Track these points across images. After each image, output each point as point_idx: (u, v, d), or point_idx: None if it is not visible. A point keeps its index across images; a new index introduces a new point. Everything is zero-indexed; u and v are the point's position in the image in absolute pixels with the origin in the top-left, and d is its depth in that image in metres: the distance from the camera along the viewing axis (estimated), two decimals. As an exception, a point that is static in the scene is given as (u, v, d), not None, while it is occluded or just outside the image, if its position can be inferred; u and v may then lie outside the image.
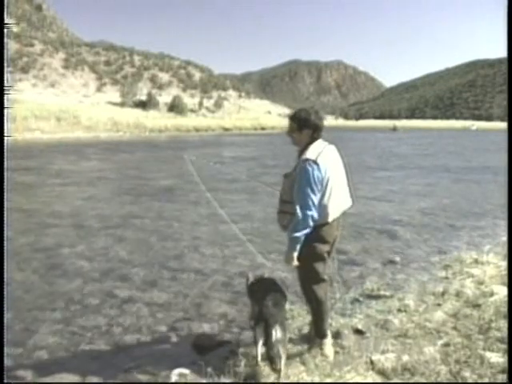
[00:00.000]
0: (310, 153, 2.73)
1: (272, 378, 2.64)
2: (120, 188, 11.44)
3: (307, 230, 2.70)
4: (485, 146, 32.69)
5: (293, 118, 2.84)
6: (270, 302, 2.79)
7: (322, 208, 2.75)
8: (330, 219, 2.78)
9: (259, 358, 2.71)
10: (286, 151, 25.10)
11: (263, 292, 2.95)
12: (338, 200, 2.82)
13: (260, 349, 2.69)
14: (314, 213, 2.67)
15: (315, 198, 2.67)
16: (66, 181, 12.75)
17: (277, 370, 2.63)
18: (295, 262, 2.79)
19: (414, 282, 4.63)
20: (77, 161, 18.84)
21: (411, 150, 28.24)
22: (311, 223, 2.69)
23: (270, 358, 2.62)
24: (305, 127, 2.78)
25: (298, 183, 2.69)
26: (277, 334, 2.64)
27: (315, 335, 3.05)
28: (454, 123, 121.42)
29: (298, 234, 2.69)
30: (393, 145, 34.53)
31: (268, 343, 2.62)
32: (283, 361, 2.64)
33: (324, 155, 2.75)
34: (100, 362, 3.15)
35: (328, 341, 3.03)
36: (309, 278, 2.93)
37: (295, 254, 2.76)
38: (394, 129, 75.78)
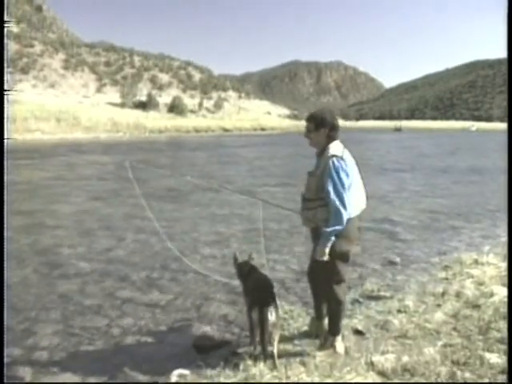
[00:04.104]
0: (335, 150, 2.80)
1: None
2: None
3: (340, 227, 2.73)
4: (492, 146, 32.76)
5: (309, 118, 2.90)
6: (262, 287, 2.88)
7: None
8: (352, 215, 2.82)
9: (256, 345, 2.79)
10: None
11: (253, 276, 3.02)
12: (357, 198, 2.88)
13: (256, 334, 2.76)
14: (347, 211, 2.72)
15: (346, 196, 2.72)
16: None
17: (272, 354, 2.74)
18: (326, 257, 2.79)
19: (414, 283, 4.63)
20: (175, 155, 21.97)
21: (437, 150, 29.11)
22: (345, 221, 2.73)
23: (264, 342, 2.71)
24: (321, 126, 2.83)
25: (332, 180, 2.70)
26: (271, 317, 2.72)
27: (329, 332, 3.08)
28: (454, 124, 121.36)
29: (333, 229, 2.72)
30: (417, 145, 34.95)
31: (263, 327, 2.70)
32: (276, 343, 2.76)
33: (346, 153, 2.85)
34: (100, 362, 3.15)
35: (340, 338, 3.08)
36: (330, 277, 2.95)
37: (327, 250, 2.77)
38: (398, 129, 75.37)
